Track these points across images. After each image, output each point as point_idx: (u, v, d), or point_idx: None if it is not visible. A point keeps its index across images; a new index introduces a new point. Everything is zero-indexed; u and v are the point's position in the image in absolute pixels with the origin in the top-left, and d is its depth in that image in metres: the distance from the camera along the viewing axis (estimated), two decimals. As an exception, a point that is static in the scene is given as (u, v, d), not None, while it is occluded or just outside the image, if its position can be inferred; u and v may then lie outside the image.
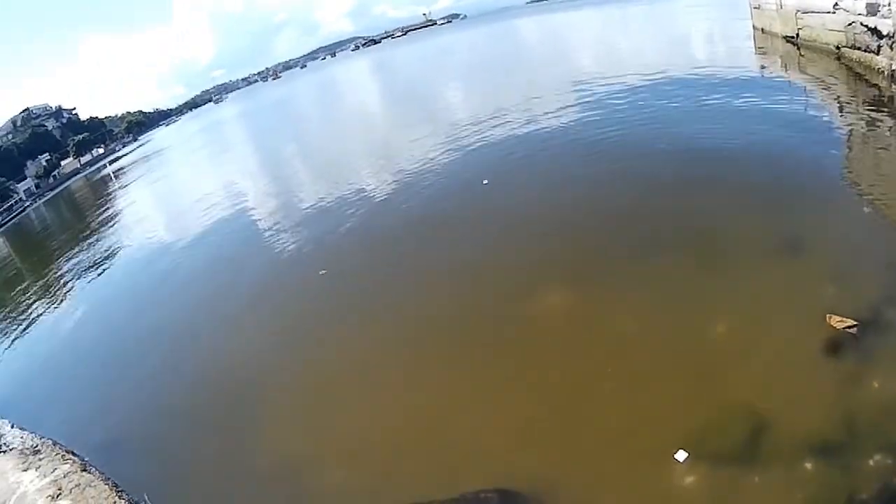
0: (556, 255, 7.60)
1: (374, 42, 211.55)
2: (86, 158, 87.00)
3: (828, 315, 4.43)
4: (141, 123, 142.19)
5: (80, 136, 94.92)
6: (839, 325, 4.27)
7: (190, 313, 9.93)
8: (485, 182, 10.07)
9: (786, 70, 16.16)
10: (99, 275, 14.39)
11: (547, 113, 14.63)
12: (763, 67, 16.87)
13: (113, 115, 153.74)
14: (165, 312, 10.49)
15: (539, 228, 8.42)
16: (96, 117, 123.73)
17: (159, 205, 20.28)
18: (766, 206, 7.11)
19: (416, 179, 11.65)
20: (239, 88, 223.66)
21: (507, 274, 7.42)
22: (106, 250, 16.24)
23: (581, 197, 9.21)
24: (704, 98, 13.42)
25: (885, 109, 10.82)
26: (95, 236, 18.71)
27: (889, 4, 11.99)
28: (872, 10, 12.53)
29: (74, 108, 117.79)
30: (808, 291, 4.99)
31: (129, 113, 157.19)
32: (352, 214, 10.95)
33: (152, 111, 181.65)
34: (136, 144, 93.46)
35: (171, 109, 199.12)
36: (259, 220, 12.67)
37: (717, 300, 5.41)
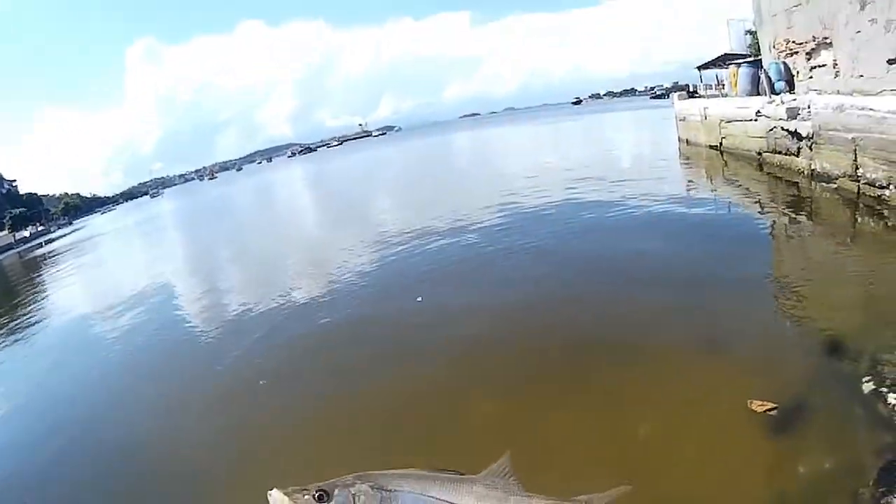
0: (488, 366, 6.83)
1: (310, 150, 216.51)
2: (21, 234, 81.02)
3: (749, 401, 4.55)
4: (77, 207, 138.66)
5: (18, 211, 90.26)
6: (760, 409, 4.45)
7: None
8: (419, 300, 9.16)
9: (710, 177, 16.14)
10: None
11: (475, 225, 13.95)
12: (688, 177, 16.89)
13: (51, 194, 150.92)
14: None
15: (472, 341, 7.44)
16: (35, 194, 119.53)
17: (90, 296, 18.52)
18: (691, 308, 7.00)
19: (347, 293, 10.45)
20: (175, 185, 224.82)
21: (439, 387, 6.43)
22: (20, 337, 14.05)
23: (512, 308, 8.36)
24: (631, 208, 12.93)
25: (805, 208, 11.14)
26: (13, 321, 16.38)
27: (808, 107, 12.00)
28: (793, 113, 12.55)
29: (15, 181, 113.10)
30: (731, 382, 5.02)
31: (66, 194, 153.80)
32: (276, 327, 9.45)
33: (90, 196, 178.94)
34: (70, 228, 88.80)
35: (108, 197, 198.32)
36: (183, 323, 11.16)
37: (646, 400, 5.17)
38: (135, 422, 7.07)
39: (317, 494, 0.93)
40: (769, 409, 4.44)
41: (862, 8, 11.07)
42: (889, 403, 4.20)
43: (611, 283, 8.49)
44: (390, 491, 0.96)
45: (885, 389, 4.34)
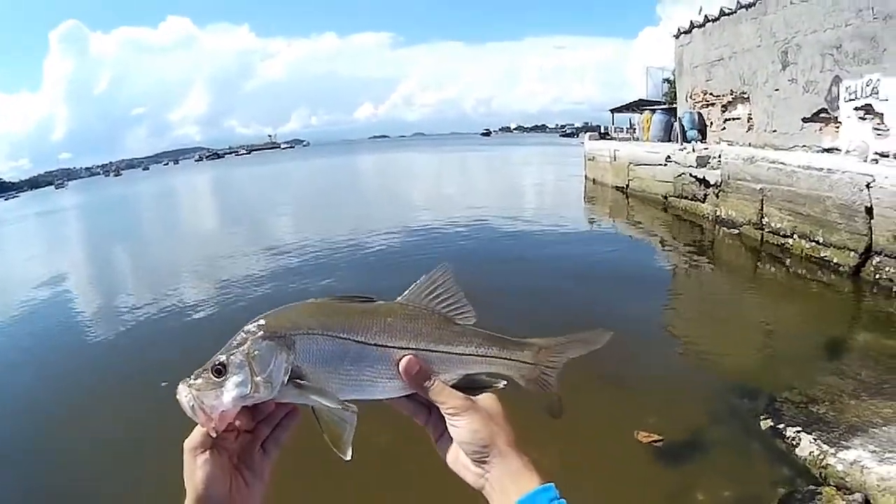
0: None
1: (218, 156, 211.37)
2: None
3: (636, 432, 4.72)
4: None
5: None
6: (646, 440, 4.66)
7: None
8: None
9: (613, 218, 16.17)
10: None
11: (366, 250, 13.29)
12: (593, 215, 16.83)
13: None
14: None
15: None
16: None
17: None
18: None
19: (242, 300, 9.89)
20: (81, 178, 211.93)
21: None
22: None
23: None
24: (532, 243, 12.64)
25: (707, 251, 11.36)
26: None
27: (719, 157, 12.27)
28: (703, 161, 12.80)
29: None
30: (621, 416, 5.09)
31: None
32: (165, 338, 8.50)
33: None
34: None
35: (13, 183, 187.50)
36: (74, 320, 10.44)
37: (544, 429, 4.30)
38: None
39: (214, 370, 0.79)
40: (655, 441, 4.61)
41: (783, 68, 11.49)
42: (787, 438, 4.30)
43: (504, 314, 7.88)
44: (284, 335, 0.80)
45: (782, 426, 4.43)
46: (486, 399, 0.84)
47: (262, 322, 0.83)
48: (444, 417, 0.83)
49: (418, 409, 0.89)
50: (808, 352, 6.01)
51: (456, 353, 0.88)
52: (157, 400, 5.69)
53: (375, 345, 0.84)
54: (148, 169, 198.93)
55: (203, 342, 7.46)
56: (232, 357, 0.80)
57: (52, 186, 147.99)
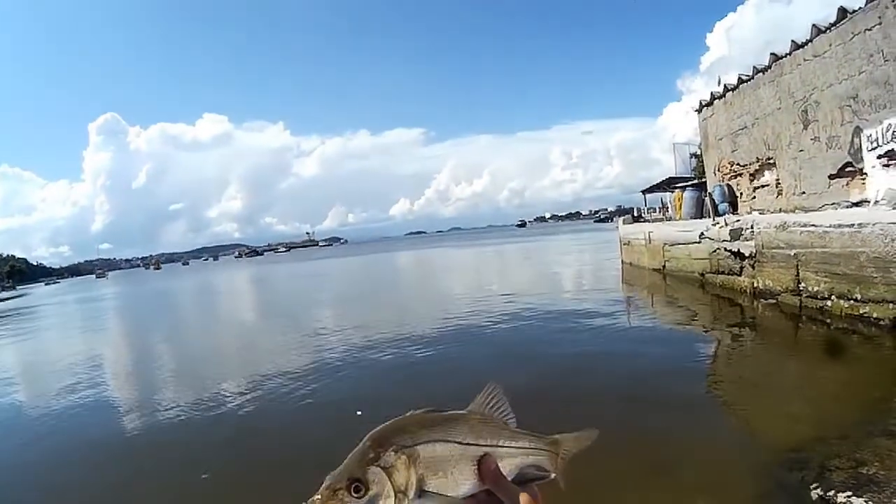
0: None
1: (257, 253, 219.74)
2: None
3: None
4: (22, 272, 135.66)
5: None
6: None
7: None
8: (358, 413, 8.36)
9: (652, 298, 15.63)
10: None
11: (421, 338, 13.41)
12: (630, 298, 16.24)
13: None
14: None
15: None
16: None
17: (24, 370, 17.41)
18: (635, 428, 6.61)
19: (285, 404, 9.66)
20: (121, 268, 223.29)
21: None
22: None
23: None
24: (572, 331, 12.35)
25: (747, 325, 10.83)
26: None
27: (751, 227, 11.65)
28: (736, 234, 12.20)
29: None
30: (676, 491, 5.00)
31: (13, 257, 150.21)
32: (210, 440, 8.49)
33: (35, 264, 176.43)
34: (14, 293, 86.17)
35: (53, 269, 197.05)
36: (115, 415, 10.33)
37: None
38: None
39: (352, 487, 0.76)
40: None
41: (805, 127, 10.99)
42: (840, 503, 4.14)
43: (551, 404, 7.67)
44: (409, 447, 0.82)
45: (832, 492, 4.25)
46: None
47: (386, 434, 0.83)
48: None
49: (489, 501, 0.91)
50: (854, 413, 5.99)
51: (516, 448, 0.97)
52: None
53: (469, 444, 0.89)
54: (188, 264, 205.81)
55: (237, 440, 7.91)
56: (370, 472, 0.79)
57: (94, 276, 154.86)
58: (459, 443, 0.87)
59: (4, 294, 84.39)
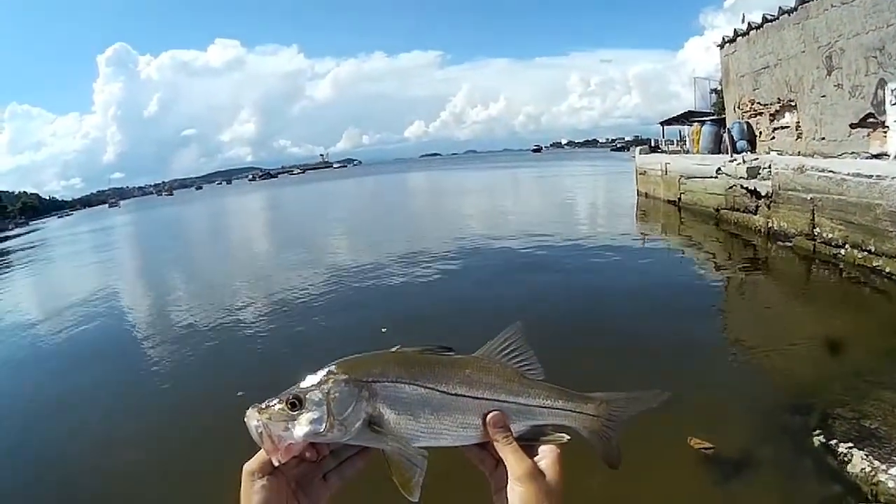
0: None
1: (271, 176, 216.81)
2: None
3: (689, 438, 4.84)
4: (35, 208, 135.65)
5: None
6: (698, 446, 4.77)
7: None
8: (383, 330, 8.62)
9: (666, 231, 16.09)
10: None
11: (433, 259, 13.75)
12: (644, 231, 16.67)
13: (10, 191, 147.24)
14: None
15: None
16: None
17: (38, 298, 18.09)
18: (640, 353, 6.86)
19: (310, 324, 10.01)
20: (134, 196, 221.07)
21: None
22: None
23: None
24: (585, 264, 12.57)
25: (760, 263, 11.17)
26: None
27: (769, 167, 11.99)
28: (753, 172, 12.53)
29: None
30: (672, 425, 4.85)
31: (25, 193, 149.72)
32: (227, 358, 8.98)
33: (48, 199, 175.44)
34: (27, 229, 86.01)
35: (66, 201, 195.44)
36: (128, 339, 10.63)
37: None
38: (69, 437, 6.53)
39: (289, 402, 0.81)
40: (706, 448, 4.68)
41: (829, 73, 11.20)
42: (838, 454, 4.22)
43: (560, 330, 7.92)
44: (368, 382, 0.84)
45: (834, 441, 4.36)
46: (551, 471, 0.86)
47: (347, 365, 0.87)
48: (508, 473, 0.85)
49: (487, 459, 0.92)
50: (861, 365, 5.89)
51: (526, 405, 0.92)
52: (213, 420, 6.18)
53: (456, 395, 0.88)
54: (201, 188, 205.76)
55: (259, 364, 8.00)
56: (311, 394, 0.83)
57: (106, 205, 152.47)
58: (437, 390, 0.87)
59: (18, 230, 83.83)
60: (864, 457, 4.09)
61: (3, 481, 5.86)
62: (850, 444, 4.26)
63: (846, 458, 4.15)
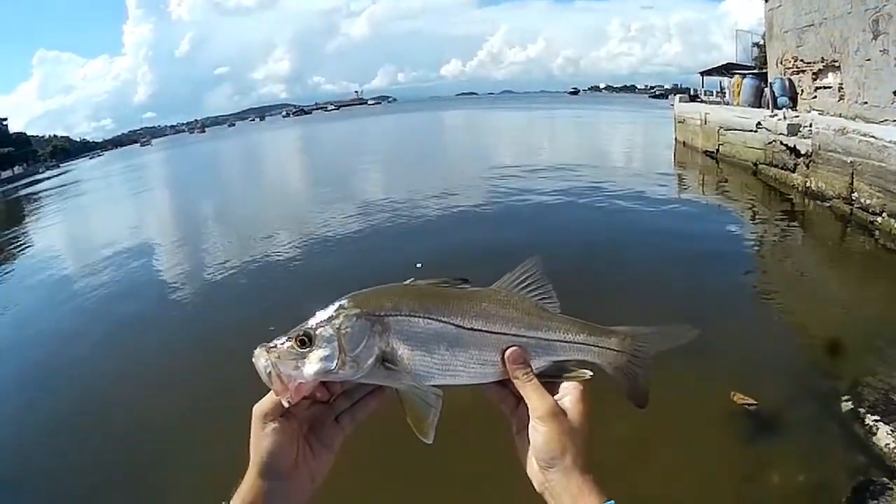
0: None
1: (305, 112, 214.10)
2: (6, 174, 79.96)
3: (732, 392, 4.85)
4: (66, 150, 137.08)
5: (6, 150, 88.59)
6: (740, 402, 4.76)
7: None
8: (418, 265, 8.74)
9: (703, 183, 16.32)
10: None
11: (469, 197, 14.04)
12: (682, 180, 16.97)
13: (41, 135, 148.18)
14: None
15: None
16: (24, 133, 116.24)
17: (69, 242, 18.22)
18: (681, 310, 6.76)
19: (341, 258, 10.20)
20: (166, 135, 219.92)
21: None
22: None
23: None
24: (620, 209, 12.69)
25: (796, 222, 11.21)
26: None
27: (809, 125, 12.19)
28: (793, 130, 12.75)
29: (6, 119, 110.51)
30: (715, 379, 5.15)
31: (56, 137, 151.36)
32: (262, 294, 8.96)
33: (79, 140, 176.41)
34: (58, 171, 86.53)
35: (96, 143, 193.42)
36: (163, 278, 10.69)
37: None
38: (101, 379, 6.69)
39: (299, 339, 0.80)
40: (749, 404, 4.70)
41: (875, 38, 11.35)
42: (866, 424, 4.28)
43: (595, 277, 8.01)
44: (381, 316, 0.82)
45: (863, 410, 4.44)
46: (575, 410, 0.83)
47: (358, 299, 0.83)
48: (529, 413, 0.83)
49: (507, 398, 0.89)
50: (893, 336, 5.72)
51: (547, 340, 0.89)
52: (230, 360, 5.31)
53: (472, 329, 0.85)
54: (234, 125, 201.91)
55: (293, 298, 7.87)
56: (321, 330, 0.80)
57: (138, 144, 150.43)
58: (452, 324, 0.84)
59: (49, 173, 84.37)
60: (891, 431, 4.08)
61: (48, 410, 6.14)
62: (878, 417, 4.28)
63: (873, 430, 4.17)
